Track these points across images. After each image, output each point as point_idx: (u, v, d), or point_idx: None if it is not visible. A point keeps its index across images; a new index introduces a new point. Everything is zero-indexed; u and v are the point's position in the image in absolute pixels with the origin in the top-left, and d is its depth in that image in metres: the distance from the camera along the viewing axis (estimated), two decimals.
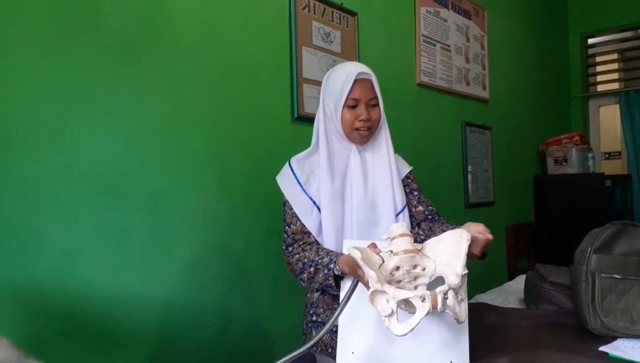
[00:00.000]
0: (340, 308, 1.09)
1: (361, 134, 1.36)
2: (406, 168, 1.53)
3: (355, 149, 1.40)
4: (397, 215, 1.40)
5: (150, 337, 1.64)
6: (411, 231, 1.27)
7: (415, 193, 1.52)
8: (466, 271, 0.99)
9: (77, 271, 1.47)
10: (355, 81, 1.33)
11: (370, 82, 1.35)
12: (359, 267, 1.02)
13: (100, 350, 1.52)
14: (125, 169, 1.59)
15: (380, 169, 1.42)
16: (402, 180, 1.47)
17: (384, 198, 1.40)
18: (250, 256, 1.96)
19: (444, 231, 1.20)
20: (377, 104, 1.37)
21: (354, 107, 1.34)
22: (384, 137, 1.44)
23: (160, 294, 1.67)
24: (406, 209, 1.44)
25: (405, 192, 1.47)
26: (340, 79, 1.34)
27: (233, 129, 1.92)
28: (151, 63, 1.67)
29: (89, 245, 1.50)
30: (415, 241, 1.13)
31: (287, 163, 1.45)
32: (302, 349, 1.01)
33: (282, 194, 1.43)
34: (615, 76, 5.01)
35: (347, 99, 1.33)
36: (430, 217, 1.49)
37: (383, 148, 1.43)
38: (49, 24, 1.43)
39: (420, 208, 1.49)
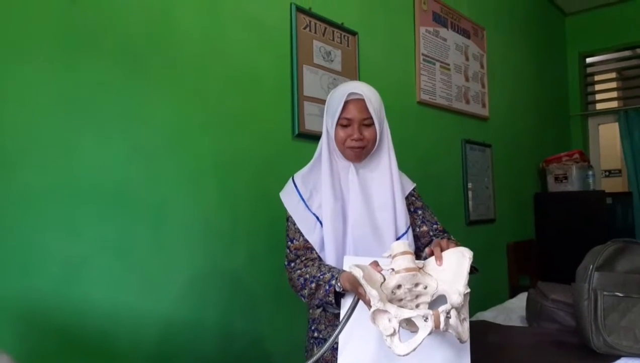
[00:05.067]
0: (341, 325, 1.08)
1: (354, 152, 1.37)
2: (410, 186, 1.52)
3: (353, 167, 1.41)
4: (398, 239, 1.39)
5: (150, 352, 1.63)
6: (415, 252, 1.27)
7: (420, 212, 1.50)
8: (468, 290, 0.99)
9: (78, 286, 1.46)
10: (348, 101, 1.34)
11: (364, 102, 1.34)
12: (361, 285, 1.02)
13: None
14: (128, 182, 1.60)
15: (380, 189, 1.41)
16: (406, 198, 1.46)
17: (385, 221, 1.39)
18: (251, 271, 1.95)
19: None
20: (371, 124, 1.36)
21: (347, 126, 1.35)
22: (386, 155, 1.43)
23: (160, 309, 1.66)
24: (410, 231, 1.42)
25: (410, 211, 1.46)
26: (336, 98, 1.37)
27: (236, 143, 1.93)
28: (155, 76, 1.69)
29: (91, 259, 1.49)
30: (418, 259, 1.13)
31: (290, 180, 1.46)
32: None
33: (285, 210, 1.43)
34: (614, 94, 5.05)
35: (339, 118, 1.35)
36: (435, 237, 1.47)
37: (383, 167, 1.42)
38: (54, 35, 1.45)
39: (425, 228, 1.48)
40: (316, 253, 1.39)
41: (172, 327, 1.69)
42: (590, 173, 4.30)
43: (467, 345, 1.12)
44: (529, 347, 1.51)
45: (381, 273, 1.07)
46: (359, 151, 1.37)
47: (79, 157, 1.49)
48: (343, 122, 1.35)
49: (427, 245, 1.45)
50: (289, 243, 1.42)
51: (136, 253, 1.61)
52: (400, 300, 1.04)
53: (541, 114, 4.55)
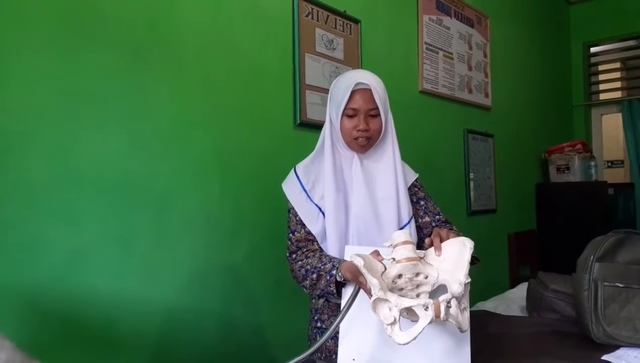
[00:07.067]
0: (341, 314, 1.09)
1: (360, 143, 1.35)
2: (412, 176, 1.50)
3: (357, 158, 1.40)
4: (401, 229, 1.38)
5: (152, 341, 1.64)
6: (417, 242, 1.27)
7: (422, 203, 1.50)
8: (469, 280, 0.99)
9: (81, 275, 1.47)
10: (355, 91, 1.32)
11: (370, 92, 1.32)
12: (361, 274, 1.02)
13: (102, 354, 1.51)
14: (130, 174, 1.60)
15: (384, 180, 1.40)
16: (409, 188, 1.45)
17: (388, 211, 1.38)
18: (252, 261, 1.96)
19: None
20: (377, 115, 1.35)
21: (353, 116, 1.34)
22: (390, 146, 1.42)
23: (162, 298, 1.67)
24: (412, 222, 1.42)
25: (412, 202, 1.45)
26: (341, 87, 1.34)
27: (237, 134, 1.93)
28: (157, 68, 1.68)
29: (93, 249, 1.50)
30: (421, 249, 1.13)
31: (292, 170, 1.45)
32: (302, 356, 1.01)
33: (287, 201, 1.43)
34: (618, 84, 5.02)
35: (345, 108, 1.33)
36: (437, 227, 1.46)
37: (388, 157, 1.41)
38: (57, 28, 1.44)
39: (427, 218, 1.47)
40: (317, 244, 1.39)
41: (173, 316, 1.70)
42: (592, 163, 4.28)
43: (467, 334, 1.13)
44: (529, 337, 1.51)
45: (382, 263, 1.07)
46: (365, 142, 1.35)
47: (81, 149, 1.49)
48: (349, 113, 1.33)
49: (429, 236, 1.45)
50: (291, 234, 1.42)
51: (138, 244, 1.61)
52: (401, 289, 1.05)
53: (544, 104, 4.53)
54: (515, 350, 1.39)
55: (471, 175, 3.44)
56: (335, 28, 2.36)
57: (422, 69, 2.98)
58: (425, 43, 3.01)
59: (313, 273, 1.30)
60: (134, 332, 1.59)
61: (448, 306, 0.93)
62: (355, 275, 1.11)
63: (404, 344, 0.91)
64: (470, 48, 3.47)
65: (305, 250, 1.39)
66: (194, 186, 1.78)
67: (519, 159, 4.12)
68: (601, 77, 5.07)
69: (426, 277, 1.05)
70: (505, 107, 3.89)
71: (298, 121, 2.14)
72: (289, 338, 2.02)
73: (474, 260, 1.24)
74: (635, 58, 4.93)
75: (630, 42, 4.87)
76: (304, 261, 1.36)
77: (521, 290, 2.21)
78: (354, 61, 2.45)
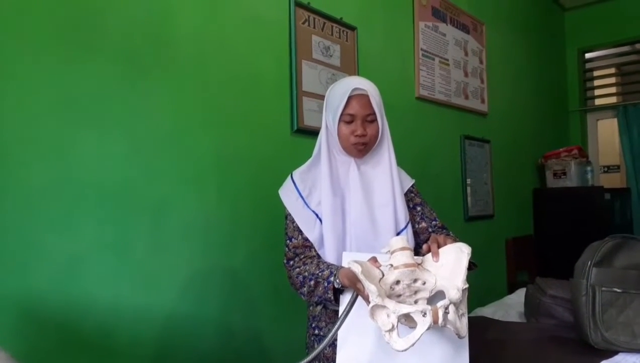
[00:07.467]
0: (339, 321, 1.08)
1: (357, 148, 1.36)
2: (408, 182, 1.51)
3: (354, 163, 1.40)
4: (398, 234, 1.39)
5: (150, 349, 1.63)
6: (414, 248, 1.27)
7: (419, 208, 1.50)
8: (467, 286, 0.99)
9: (78, 284, 1.46)
10: (351, 97, 1.33)
11: (367, 97, 1.33)
12: (359, 281, 1.02)
13: (100, 362, 1.51)
14: (127, 180, 1.59)
15: (381, 186, 1.40)
16: (405, 194, 1.46)
17: (385, 217, 1.38)
18: (250, 268, 1.96)
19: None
20: (374, 120, 1.36)
21: (350, 122, 1.35)
22: (387, 151, 1.42)
23: (160, 305, 1.67)
24: (409, 226, 1.42)
25: (409, 207, 1.46)
26: (338, 93, 1.35)
27: (234, 141, 1.93)
28: (155, 74, 1.68)
29: (90, 256, 1.49)
30: (417, 254, 1.13)
31: (289, 177, 1.45)
32: None
33: (284, 208, 1.43)
34: (613, 90, 5.04)
35: (342, 114, 1.34)
36: (434, 233, 1.46)
37: (384, 163, 1.42)
38: (56, 35, 1.44)
39: (424, 224, 1.48)
40: (315, 250, 1.39)
41: (171, 323, 1.69)
42: (588, 168, 4.30)
43: (466, 340, 1.13)
44: (527, 343, 1.51)
45: (380, 269, 1.07)
46: (363, 147, 1.36)
47: (78, 155, 1.49)
48: (346, 119, 1.34)
49: (426, 241, 1.44)
50: (288, 241, 1.42)
51: (136, 250, 1.61)
52: (399, 295, 1.04)
53: (540, 109, 4.55)
54: (513, 357, 1.38)
55: (468, 181, 3.45)
56: (332, 35, 2.37)
57: (419, 76, 2.99)
58: (422, 49, 3.02)
59: (311, 280, 1.30)
60: (132, 340, 1.58)
61: (446, 312, 0.93)
62: (353, 281, 1.11)
63: (402, 351, 0.90)
64: (466, 54, 3.48)
65: (302, 256, 1.39)
66: (192, 192, 1.78)
67: (515, 164, 4.13)
68: (596, 82, 5.10)
69: (424, 283, 1.05)
70: (501, 113, 3.90)
71: (295, 128, 2.14)
72: (288, 345, 2.02)
73: (471, 266, 1.24)
74: (629, 63, 4.96)
75: (625, 48, 4.90)
76: (301, 268, 1.36)
77: (519, 295, 2.21)
78: (350, 67, 2.45)
